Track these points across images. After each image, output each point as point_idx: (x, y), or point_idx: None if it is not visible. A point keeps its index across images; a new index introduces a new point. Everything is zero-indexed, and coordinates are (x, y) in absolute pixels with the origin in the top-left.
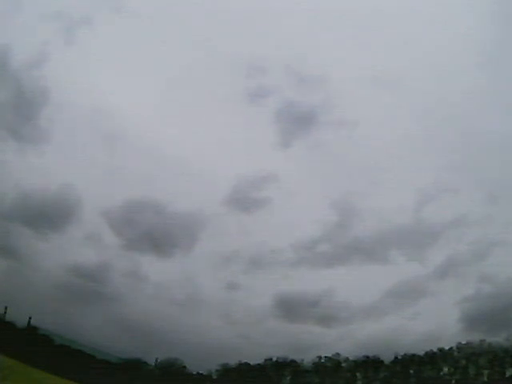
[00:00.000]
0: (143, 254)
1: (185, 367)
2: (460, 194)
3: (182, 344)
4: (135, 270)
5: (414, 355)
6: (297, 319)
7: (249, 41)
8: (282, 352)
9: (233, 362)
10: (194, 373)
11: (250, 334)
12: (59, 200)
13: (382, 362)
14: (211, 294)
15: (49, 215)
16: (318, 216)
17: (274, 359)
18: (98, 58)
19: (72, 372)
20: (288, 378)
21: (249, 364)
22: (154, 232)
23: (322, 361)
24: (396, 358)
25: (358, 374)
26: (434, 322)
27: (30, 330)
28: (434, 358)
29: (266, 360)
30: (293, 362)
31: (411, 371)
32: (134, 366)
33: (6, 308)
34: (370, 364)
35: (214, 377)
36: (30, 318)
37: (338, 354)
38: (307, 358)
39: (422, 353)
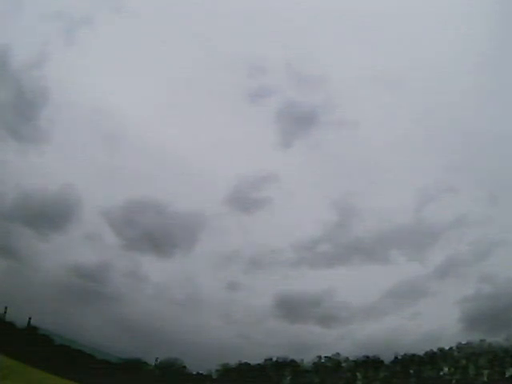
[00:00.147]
0: (143, 254)
1: (185, 367)
2: (460, 194)
3: (182, 344)
4: (135, 270)
5: (414, 355)
6: (297, 319)
7: (249, 41)
8: (282, 352)
9: (233, 362)
10: (194, 373)
11: (250, 334)
12: (59, 200)
13: (382, 362)
14: (211, 294)
15: (49, 215)
16: (319, 216)
17: (274, 359)
18: (98, 58)
19: (72, 372)
20: (288, 377)
21: (249, 364)
22: (154, 232)
23: (322, 361)
24: (396, 358)
25: (358, 374)
26: (434, 322)
27: (30, 330)
28: (434, 358)
29: (266, 360)
30: (293, 361)
31: (411, 371)
32: (134, 366)
33: (5, 308)
34: (370, 364)
35: (214, 377)
36: (29, 318)
37: (338, 353)
38: (307, 358)
39: (422, 353)
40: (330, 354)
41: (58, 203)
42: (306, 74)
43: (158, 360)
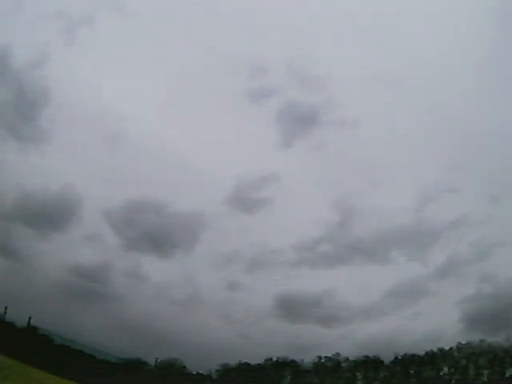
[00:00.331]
0: (144, 254)
1: (185, 367)
2: (461, 194)
3: (182, 344)
4: (136, 270)
5: (414, 355)
6: (297, 319)
7: (250, 41)
8: (282, 352)
9: (233, 362)
10: (194, 373)
11: (250, 334)
12: (60, 200)
13: (382, 362)
14: (212, 294)
15: (49, 215)
16: (319, 216)
17: (274, 359)
18: (99, 58)
19: (72, 372)
20: (288, 377)
21: (249, 364)
22: (154, 232)
23: (322, 361)
24: (396, 358)
25: (358, 374)
26: (435, 322)
27: (30, 330)
28: (434, 358)
29: (266, 360)
30: (293, 361)
31: (411, 371)
32: (134, 366)
33: (6, 308)
34: (370, 364)
35: (214, 377)
36: (29, 318)
37: (338, 353)
38: (307, 358)
39: (422, 353)
40: (330, 354)
41: (58, 203)
42: (306, 74)
43: (158, 360)
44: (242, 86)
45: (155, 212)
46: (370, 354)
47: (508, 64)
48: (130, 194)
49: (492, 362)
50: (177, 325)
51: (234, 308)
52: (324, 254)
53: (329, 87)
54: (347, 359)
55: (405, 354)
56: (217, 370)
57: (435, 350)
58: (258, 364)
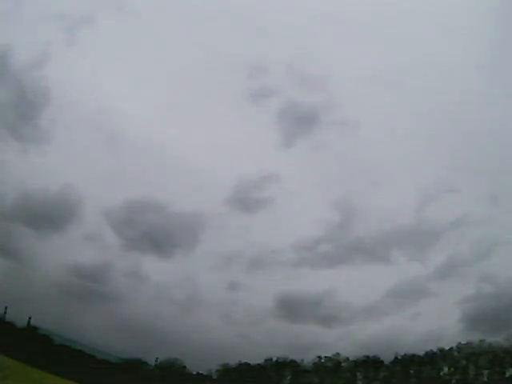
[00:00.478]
0: (144, 254)
1: (185, 367)
2: (461, 194)
3: (182, 344)
4: (136, 270)
5: (414, 355)
6: (297, 319)
7: (250, 41)
8: (282, 352)
9: (233, 362)
10: (194, 373)
11: (250, 333)
12: (60, 200)
13: (382, 362)
14: (212, 294)
15: (50, 215)
16: (320, 216)
17: (274, 359)
18: (99, 58)
19: (72, 372)
20: (288, 377)
21: (249, 364)
22: (154, 232)
23: (322, 361)
24: (396, 358)
25: (358, 374)
26: (435, 322)
27: (30, 330)
28: (434, 358)
29: (266, 360)
30: (293, 361)
31: (411, 371)
32: (134, 366)
33: (6, 308)
34: (370, 364)
35: (214, 377)
36: (29, 318)
37: (338, 353)
38: (307, 358)
39: (422, 353)
40: (330, 354)
41: (58, 203)
42: (307, 74)
43: (158, 360)
44: (242, 85)
45: (155, 212)
46: (370, 354)
47: (508, 64)
48: (130, 194)
49: (492, 362)
50: (177, 325)
51: (234, 308)
52: (324, 254)
53: (329, 87)
54: (347, 359)
55: (405, 354)
56: (217, 370)
57: (435, 350)
58: (258, 364)
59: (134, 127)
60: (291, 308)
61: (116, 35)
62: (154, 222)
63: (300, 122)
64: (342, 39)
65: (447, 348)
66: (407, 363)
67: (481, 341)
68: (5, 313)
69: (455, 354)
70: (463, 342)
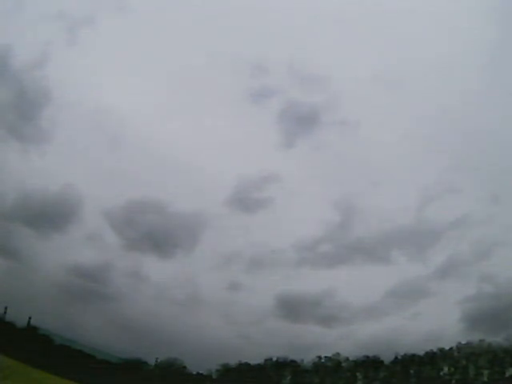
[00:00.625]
0: (144, 254)
1: (185, 367)
2: (462, 194)
3: (182, 344)
4: (136, 270)
5: (414, 355)
6: (297, 319)
7: (251, 41)
8: (282, 352)
9: (233, 362)
10: (194, 373)
11: (250, 333)
12: (60, 200)
13: (382, 362)
14: (212, 294)
15: (50, 215)
16: (320, 216)
17: (274, 359)
18: (100, 58)
19: (72, 372)
20: (288, 377)
21: (249, 364)
22: (155, 232)
23: (322, 361)
24: (396, 358)
25: (358, 374)
26: (435, 322)
27: (30, 330)
28: (434, 358)
29: (266, 360)
30: (293, 361)
31: (411, 371)
32: (134, 366)
33: (5, 308)
34: (370, 364)
35: (214, 377)
36: (29, 318)
37: (338, 353)
38: (307, 358)
39: (422, 353)
40: (330, 354)
41: (58, 203)
42: (307, 74)
43: (158, 360)
44: (242, 85)
45: (156, 212)
46: (370, 354)
47: (508, 64)
48: (130, 194)
49: (492, 362)
50: (177, 325)
51: (235, 308)
52: (324, 254)
53: (329, 87)
54: (347, 359)
55: (405, 354)
56: (217, 370)
57: (435, 350)
58: (258, 364)
59: (134, 127)
60: (291, 308)
61: (116, 35)
62: (154, 222)
63: (300, 122)
64: (342, 39)
65: (447, 348)
66: (407, 363)
67: (481, 341)
68: (5, 313)
69: (455, 354)
70: (463, 342)
